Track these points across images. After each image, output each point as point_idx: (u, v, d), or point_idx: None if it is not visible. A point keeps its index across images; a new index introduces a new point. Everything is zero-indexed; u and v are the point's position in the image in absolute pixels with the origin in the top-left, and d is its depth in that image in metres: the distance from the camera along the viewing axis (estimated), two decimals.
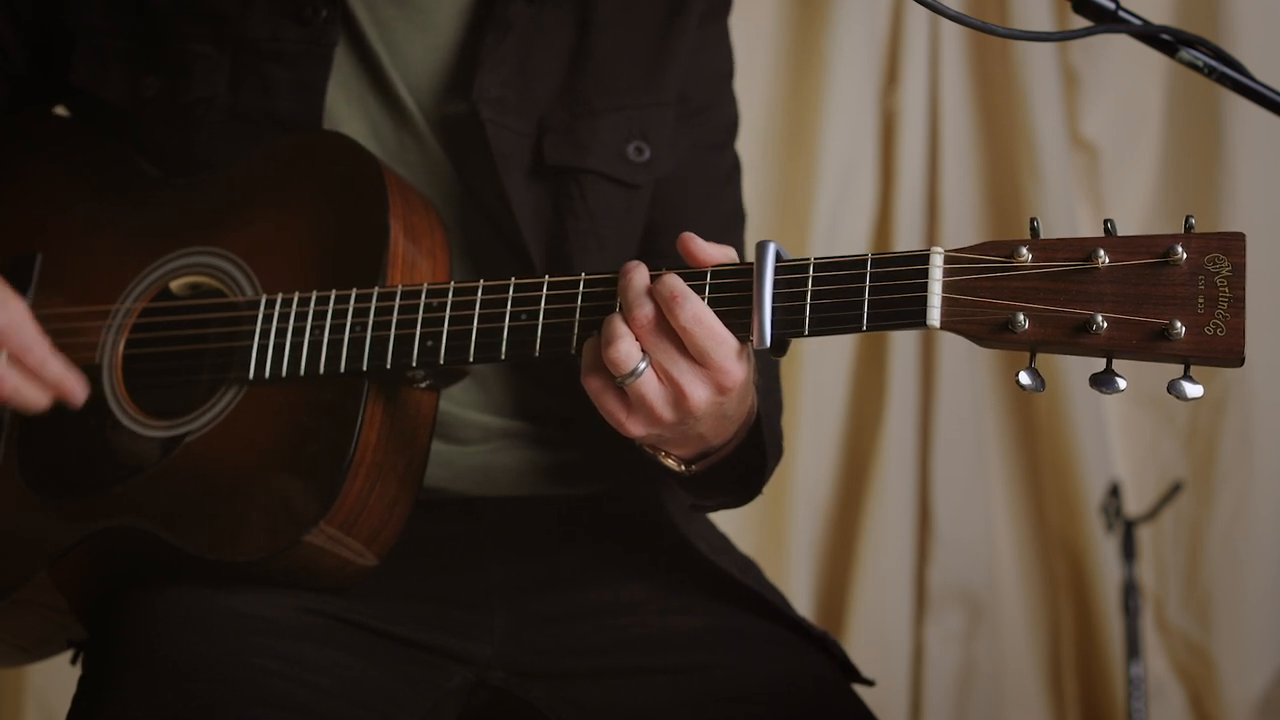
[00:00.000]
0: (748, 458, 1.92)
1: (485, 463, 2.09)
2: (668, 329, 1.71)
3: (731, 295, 1.73)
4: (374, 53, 2.08)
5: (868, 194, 3.72)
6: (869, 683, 2.09)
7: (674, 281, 1.71)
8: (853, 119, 3.71)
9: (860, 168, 3.71)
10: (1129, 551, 3.42)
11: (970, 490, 3.71)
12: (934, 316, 1.64)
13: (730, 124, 2.27)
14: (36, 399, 1.99)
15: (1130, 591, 3.38)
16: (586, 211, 2.08)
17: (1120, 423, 3.76)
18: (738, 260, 1.77)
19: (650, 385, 1.73)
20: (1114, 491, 3.47)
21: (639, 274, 1.74)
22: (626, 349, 1.72)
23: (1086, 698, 3.72)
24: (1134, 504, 3.61)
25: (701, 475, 1.90)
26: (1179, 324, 1.56)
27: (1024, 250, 1.63)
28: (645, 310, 1.72)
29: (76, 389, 1.99)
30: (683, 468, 1.88)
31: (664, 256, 1.79)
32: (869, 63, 3.72)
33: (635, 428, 1.76)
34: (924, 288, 1.65)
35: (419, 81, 2.09)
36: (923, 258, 1.66)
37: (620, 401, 1.75)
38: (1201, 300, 1.57)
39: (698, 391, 1.73)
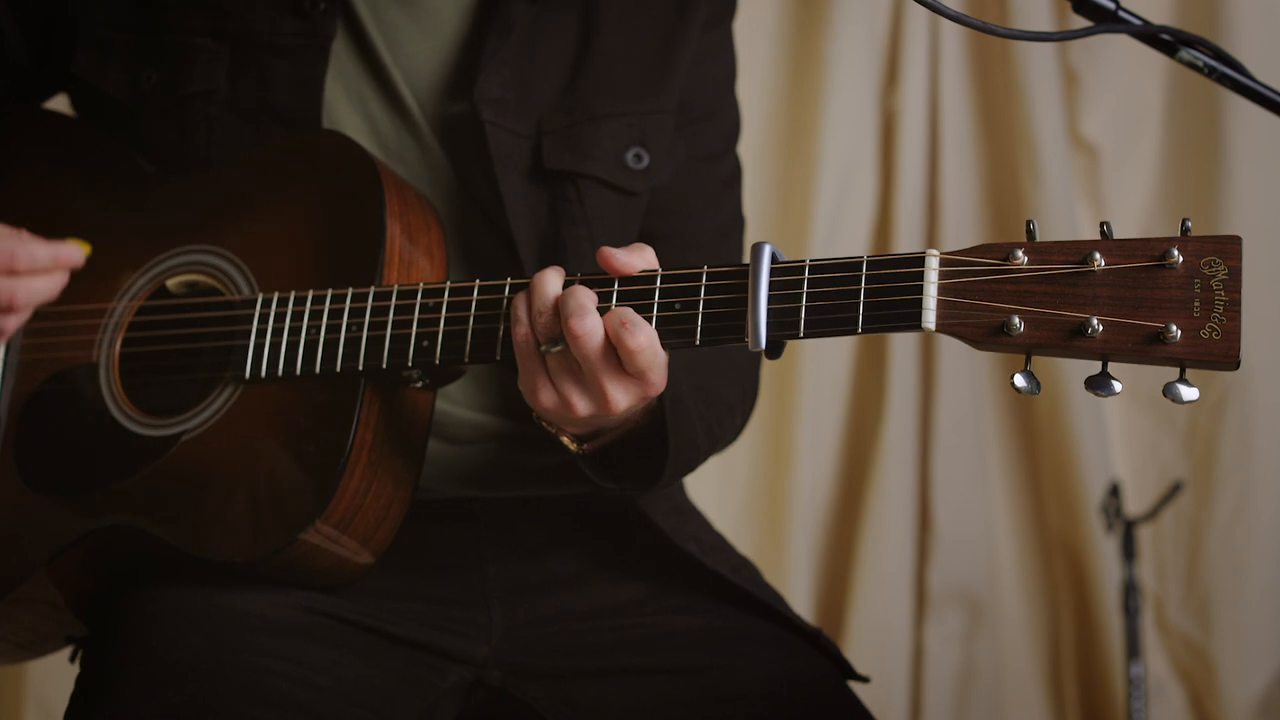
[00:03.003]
0: (649, 444, 1.92)
1: (481, 463, 2.09)
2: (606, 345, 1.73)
3: (726, 297, 1.73)
4: (375, 51, 2.08)
5: (868, 194, 3.72)
6: (864, 679, 2.09)
7: (624, 311, 1.72)
8: (853, 119, 3.71)
9: (860, 168, 3.71)
10: (1129, 551, 3.41)
11: (970, 491, 3.71)
12: (929, 319, 1.64)
13: (730, 131, 2.27)
14: (48, 289, 2.02)
15: (1130, 591, 3.38)
16: (583, 216, 2.07)
17: (1120, 423, 3.75)
18: (655, 259, 1.78)
19: (574, 389, 1.76)
20: (1114, 491, 3.46)
21: (586, 294, 1.74)
22: (593, 324, 1.72)
23: (1086, 698, 3.72)
24: (1134, 504, 3.61)
25: (597, 455, 1.90)
26: (1174, 327, 1.56)
27: (1019, 253, 1.63)
28: (586, 323, 1.73)
29: (73, 254, 2.03)
30: (575, 446, 1.88)
31: (661, 264, 1.79)
32: (869, 63, 3.72)
33: (547, 399, 1.78)
34: (919, 290, 1.64)
35: (420, 80, 2.09)
36: (918, 260, 1.65)
37: (542, 370, 1.77)
38: (1197, 304, 1.56)
39: (621, 398, 1.75)
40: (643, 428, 1.90)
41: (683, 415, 1.93)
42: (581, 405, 1.77)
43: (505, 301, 1.82)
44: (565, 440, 1.87)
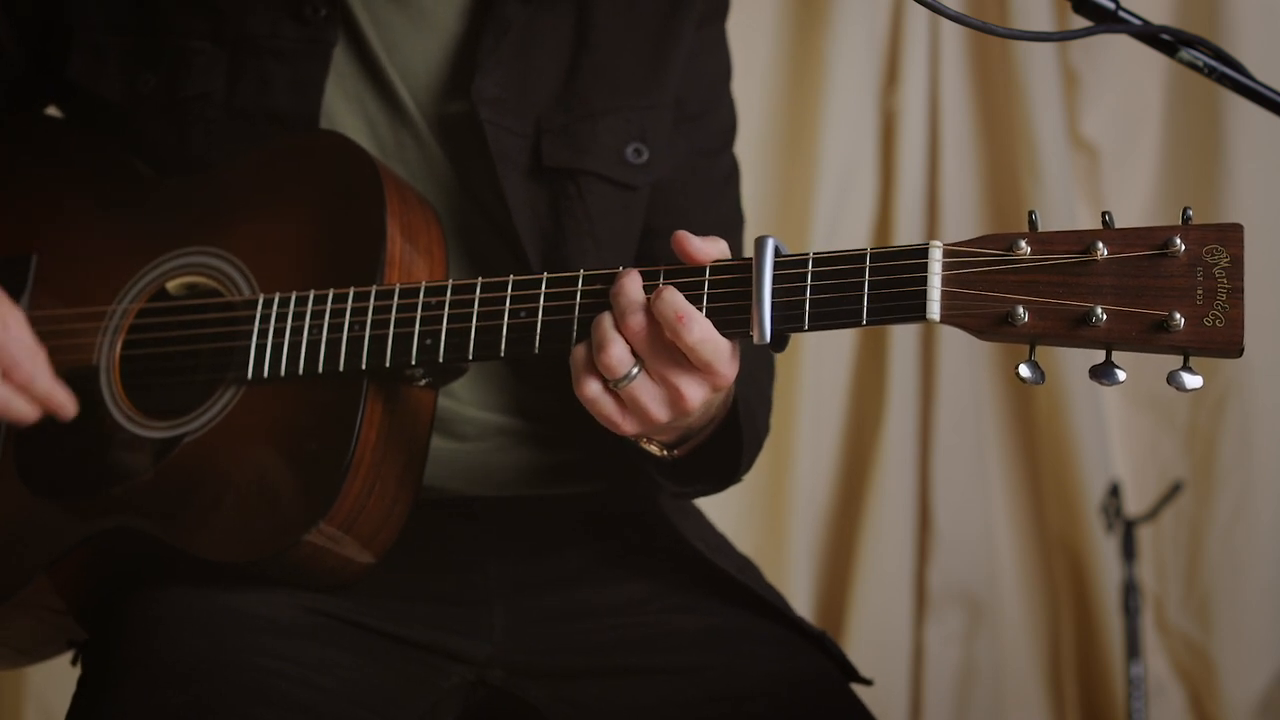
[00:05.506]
0: (726, 441, 1.93)
1: (484, 462, 2.09)
2: (664, 338, 1.72)
3: (731, 291, 1.73)
4: (373, 51, 2.08)
5: (868, 194, 3.72)
6: (867, 682, 2.08)
7: (676, 301, 1.71)
8: (853, 119, 3.71)
9: (860, 168, 3.71)
10: (1129, 551, 3.42)
11: (970, 490, 3.71)
12: (934, 310, 1.64)
13: (727, 128, 2.27)
14: (24, 411, 1.99)
15: (1130, 591, 3.38)
16: (585, 213, 2.07)
17: (1120, 423, 3.75)
18: (729, 251, 1.77)
19: (645, 388, 1.73)
20: (1114, 491, 3.47)
21: (631, 283, 1.74)
22: (619, 354, 1.72)
23: (1086, 698, 3.72)
24: (1134, 504, 3.61)
25: (683, 460, 1.91)
26: (1178, 315, 1.56)
27: (1023, 243, 1.63)
28: (639, 319, 1.72)
29: (65, 404, 1.99)
30: (664, 453, 1.88)
31: (661, 261, 1.78)
32: (869, 63, 3.72)
33: (630, 427, 1.76)
34: (923, 281, 1.65)
35: (417, 80, 2.09)
36: (921, 251, 1.66)
37: (616, 405, 1.75)
38: (1200, 291, 1.57)
39: (694, 393, 1.74)
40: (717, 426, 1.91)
41: (747, 409, 1.94)
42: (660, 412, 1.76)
43: (508, 297, 1.82)
44: (653, 449, 1.88)
